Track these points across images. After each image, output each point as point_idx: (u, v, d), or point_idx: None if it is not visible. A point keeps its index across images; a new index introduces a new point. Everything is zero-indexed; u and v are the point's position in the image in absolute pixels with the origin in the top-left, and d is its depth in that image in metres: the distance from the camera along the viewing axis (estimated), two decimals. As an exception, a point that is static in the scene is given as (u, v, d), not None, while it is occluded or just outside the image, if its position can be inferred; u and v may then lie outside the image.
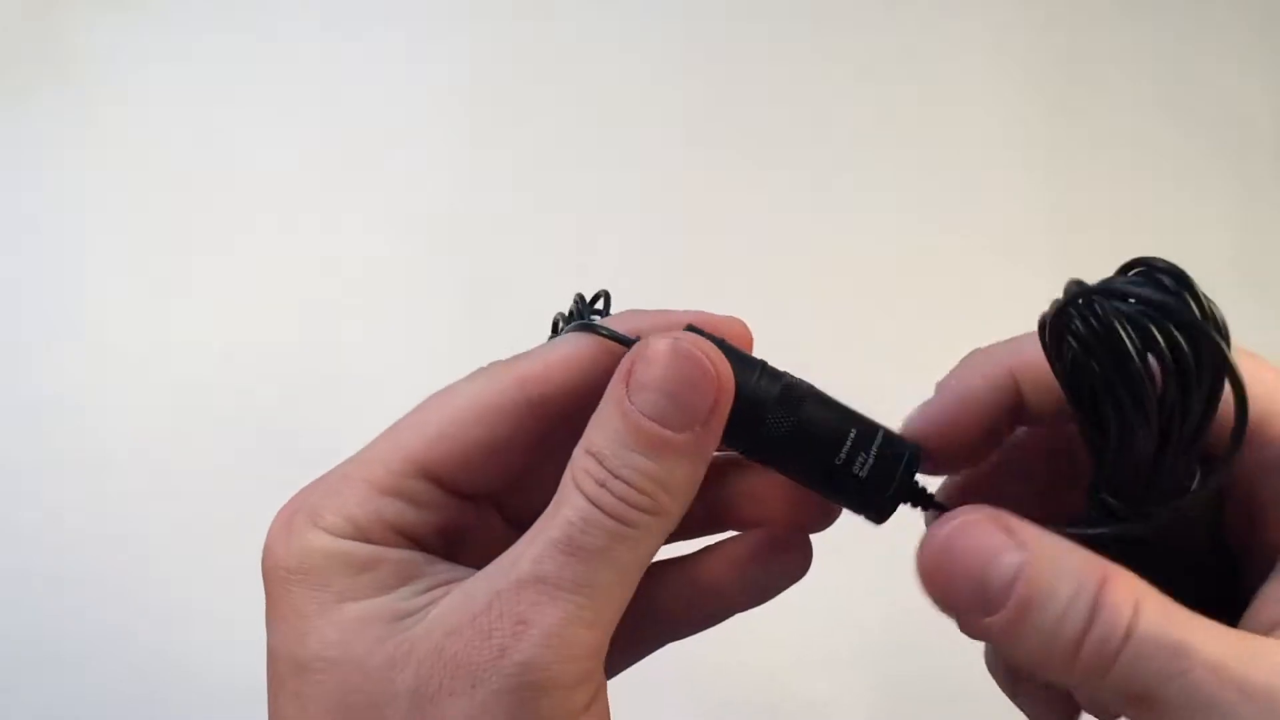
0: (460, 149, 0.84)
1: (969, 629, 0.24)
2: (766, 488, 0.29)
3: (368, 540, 0.25)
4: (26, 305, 0.78)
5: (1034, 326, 0.26)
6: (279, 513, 0.26)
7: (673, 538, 0.27)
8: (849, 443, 0.26)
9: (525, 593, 0.23)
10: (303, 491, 0.26)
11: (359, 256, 0.81)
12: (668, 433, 0.24)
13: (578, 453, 0.24)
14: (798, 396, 0.26)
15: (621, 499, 0.24)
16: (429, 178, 0.83)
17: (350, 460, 0.27)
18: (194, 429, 0.77)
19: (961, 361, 0.28)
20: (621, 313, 0.28)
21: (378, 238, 0.82)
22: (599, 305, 0.29)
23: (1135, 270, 0.23)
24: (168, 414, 0.77)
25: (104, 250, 0.79)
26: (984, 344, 0.29)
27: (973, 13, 0.90)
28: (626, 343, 0.26)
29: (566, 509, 0.24)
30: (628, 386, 0.24)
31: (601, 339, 0.26)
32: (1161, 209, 0.89)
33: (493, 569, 0.24)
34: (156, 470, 0.75)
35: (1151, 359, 0.22)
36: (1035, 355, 0.25)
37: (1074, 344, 0.23)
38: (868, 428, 0.26)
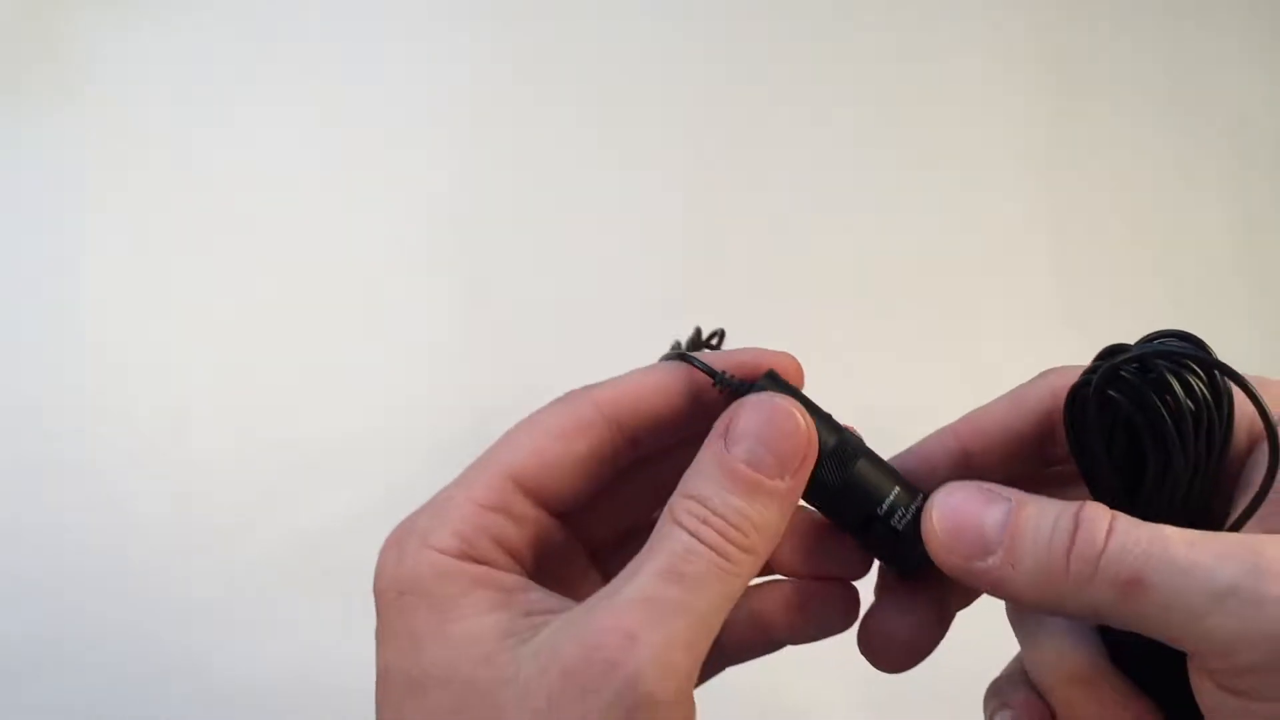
0: (460, 150, 0.84)
1: (974, 578, 0.27)
2: (809, 542, 0.32)
3: (475, 557, 0.27)
4: (26, 305, 0.78)
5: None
6: (389, 536, 0.28)
7: None
8: (891, 496, 0.29)
9: (633, 612, 0.25)
10: (411, 516, 0.28)
11: (359, 256, 0.81)
12: (762, 478, 0.26)
13: (676, 497, 0.27)
14: (850, 451, 0.29)
15: (722, 534, 0.26)
16: (429, 178, 0.83)
17: (452, 484, 0.29)
18: (194, 429, 0.77)
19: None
20: (703, 353, 0.31)
21: (378, 238, 0.82)
22: (714, 341, 0.34)
23: (1157, 338, 0.28)
24: (168, 414, 0.77)
25: (104, 250, 0.79)
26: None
27: (973, 13, 0.90)
28: (711, 373, 0.29)
29: (670, 542, 0.26)
30: (726, 438, 0.27)
31: (684, 371, 0.30)
32: (1162, 209, 0.89)
33: (593, 599, 0.26)
34: (157, 470, 0.75)
35: (1186, 401, 0.26)
36: (986, 426, 0.31)
37: (1123, 398, 0.27)
38: (910, 489, 0.29)
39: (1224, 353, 0.27)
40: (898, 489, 0.29)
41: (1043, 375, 0.31)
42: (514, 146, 0.84)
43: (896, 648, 0.31)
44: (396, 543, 0.28)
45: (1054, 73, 0.90)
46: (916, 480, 0.30)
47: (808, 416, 0.28)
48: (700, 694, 0.26)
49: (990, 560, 0.26)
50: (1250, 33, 0.92)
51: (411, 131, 0.83)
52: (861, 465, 0.29)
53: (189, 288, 0.79)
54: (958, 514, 0.27)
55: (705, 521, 0.26)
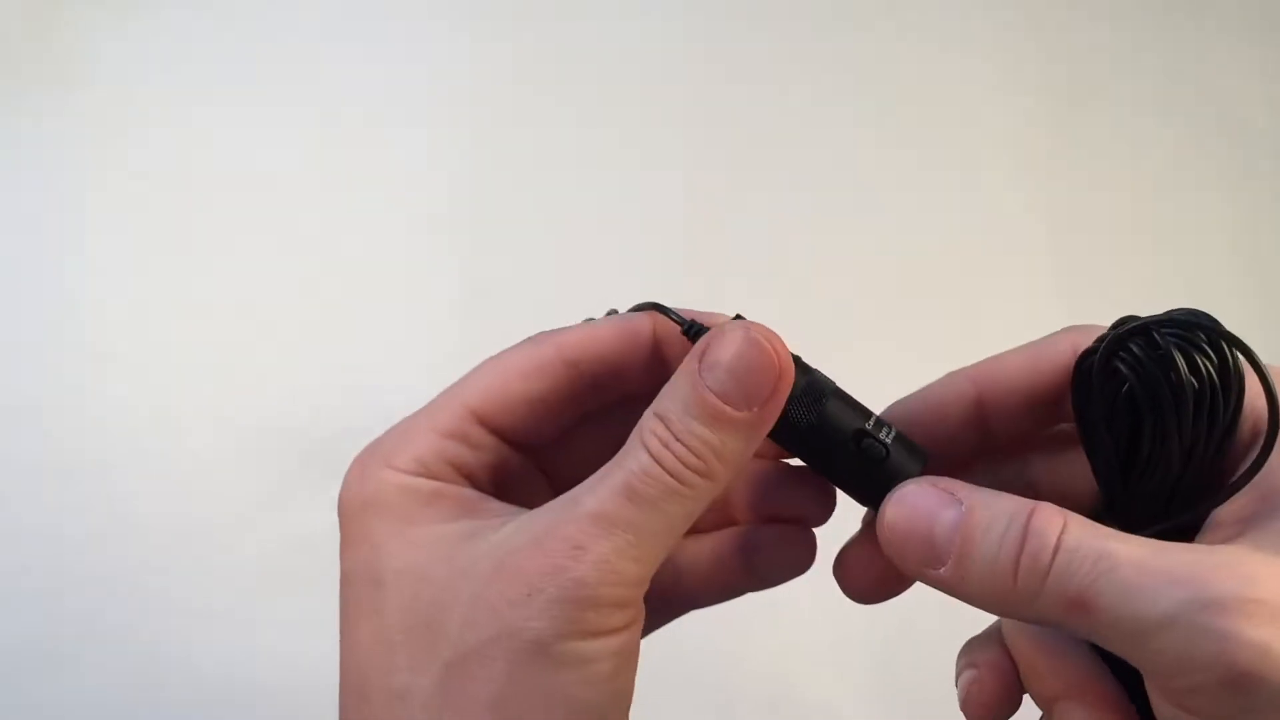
0: (460, 149, 0.84)
1: (927, 581, 0.27)
2: (765, 486, 0.32)
3: (433, 477, 0.28)
4: (26, 305, 0.78)
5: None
6: (354, 459, 0.29)
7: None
8: (873, 420, 0.29)
9: (585, 525, 0.26)
10: (374, 441, 0.30)
11: (359, 256, 0.81)
12: (729, 409, 0.26)
13: (648, 414, 0.27)
14: (820, 389, 0.29)
15: (680, 460, 0.26)
16: (429, 178, 0.83)
17: (414, 414, 0.30)
18: (194, 429, 0.77)
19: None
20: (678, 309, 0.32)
21: (377, 238, 0.82)
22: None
23: (1166, 315, 0.27)
24: (168, 414, 0.77)
25: (104, 250, 0.79)
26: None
27: (973, 14, 0.90)
28: (681, 321, 0.30)
29: (631, 461, 0.26)
30: (701, 363, 0.27)
31: (649, 321, 0.30)
32: (1162, 209, 0.89)
33: (552, 505, 0.27)
34: (156, 470, 0.75)
35: (1190, 378, 0.26)
36: (1004, 376, 0.30)
37: (1126, 369, 0.26)
38: (883, 423, 0.29)
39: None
40: (875, 416, 0.29)
41: (1065, 331, 0.31)
42: (514, 146, 0.84)
43: (869, 581, 0.31)
44: (360, 464, 0.29)
45: (1054, 72, 0.90)
46: (924, 424, 0.31)
47: (782, 348, 0.27)
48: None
49: (942, 570, 0.26)
50: (1250, 33, 0.92)
51: (411, 131, 0.83)
52: (833, 401, 0.29)
53: (189, 288, 0.79)
54: (910, 519, 0.27)
55: (667, 445, 0.26)
